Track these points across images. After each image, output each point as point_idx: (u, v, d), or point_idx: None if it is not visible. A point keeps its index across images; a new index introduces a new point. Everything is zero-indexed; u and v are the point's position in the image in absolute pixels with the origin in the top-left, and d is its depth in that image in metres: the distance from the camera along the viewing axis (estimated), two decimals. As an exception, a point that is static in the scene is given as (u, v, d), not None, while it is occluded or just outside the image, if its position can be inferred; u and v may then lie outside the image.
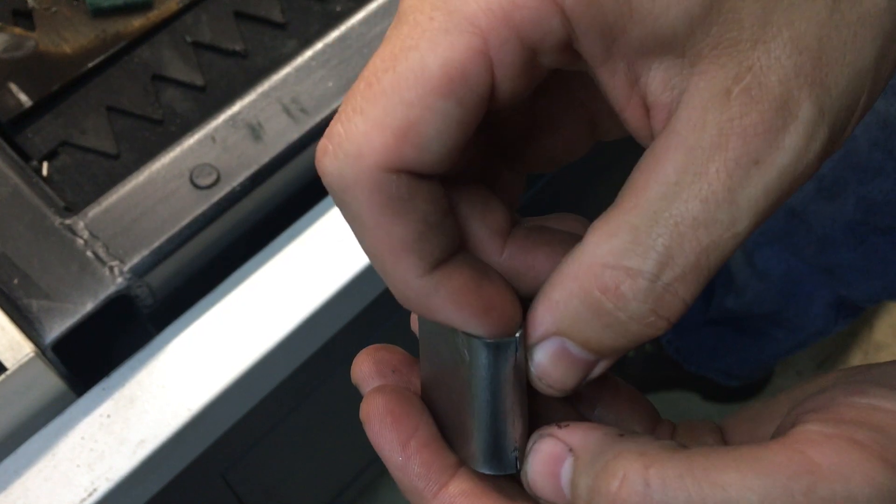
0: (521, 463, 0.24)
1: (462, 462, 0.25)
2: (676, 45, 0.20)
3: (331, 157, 0.22)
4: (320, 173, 0.22)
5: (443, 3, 0.20)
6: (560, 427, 0.24)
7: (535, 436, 0.24)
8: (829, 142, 0.20)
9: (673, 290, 0.21)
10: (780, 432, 0.22)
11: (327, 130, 0.22)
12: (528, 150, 0.27)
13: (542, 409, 0.26)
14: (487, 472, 0.24)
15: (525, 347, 0.23)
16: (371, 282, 0.52)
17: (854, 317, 1.06)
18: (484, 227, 0.25)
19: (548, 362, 0.23)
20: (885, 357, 1.34)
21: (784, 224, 0.95)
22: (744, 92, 0.20)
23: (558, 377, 0.23)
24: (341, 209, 0.22)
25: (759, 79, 0.20)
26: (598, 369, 0.23)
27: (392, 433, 0.24)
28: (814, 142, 0.20)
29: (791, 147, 0.20)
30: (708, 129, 0.20)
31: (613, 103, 0.22)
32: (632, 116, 0.22)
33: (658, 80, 0.21)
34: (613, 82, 0.22)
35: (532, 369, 0.23)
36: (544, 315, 0.23)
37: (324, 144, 0.22)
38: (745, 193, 0.20)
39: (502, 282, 0.25)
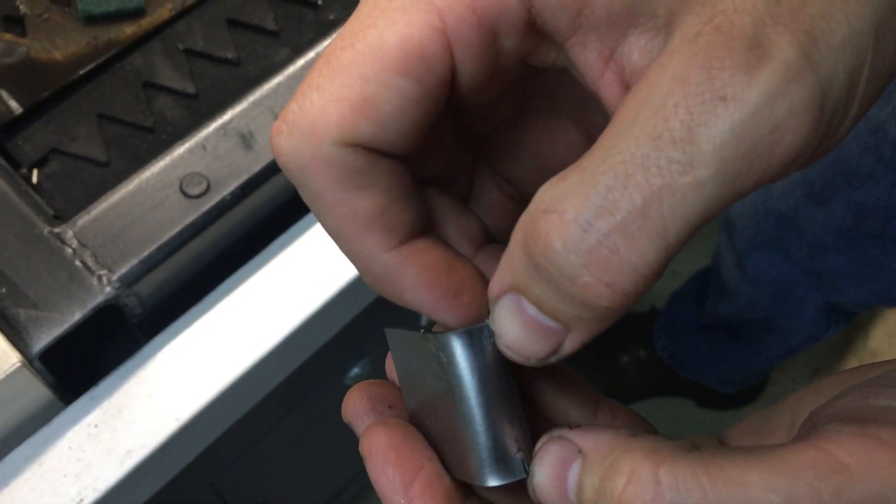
0: (530, 465, 0.22)
1: (469, 491, 0.23)
2: (647, 7, 0.19)
3: (285, 136, 0.21)
4: (275, 154, 0.21)
5: None
6: (571, 429, 0.22)
7: (544, 438, 0.22)
8: (819, 97, 0.17)
9: (611, 243, 0.17)
10: (798, 437, 0.21)
11: (282, 111, 0.21)
12: (518, 169, 0.27)
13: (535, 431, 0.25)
14: (496, 483, 0.22)
15: (490, 303, 0.21)
16: (361, 291, 0.52)
17: (846, 322, 1.06)
18: (457, 232, 0.25)
19: (507, 321, 0.20)
20: (878, 364, 1.34)
21: (775, 229, 0.95)
22: (713, 29, 0.17)
23: (519, 340, 0.20)
24: (301, 190, 0.22)
25: (732, 19, 0.17)
26: (569, 344, 0.20)
27: (395, 471, 0.23)
28: (796, 86, 0.17)
29: (765, 83, 0.17)
30: (672, 66, 0.17)
31: (587, 81, 0.21)
32: (608, 93, 0.21)
33: (634, 47, 0.19)
34: (584, 58, 0.20)
35: (493, 327, 0.21)
36: (503, 266, 0.20)
37: (278, 125, 0.21)
38: (708, 132, 0.17)
39: (473, 267, 0.23)
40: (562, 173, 0.19)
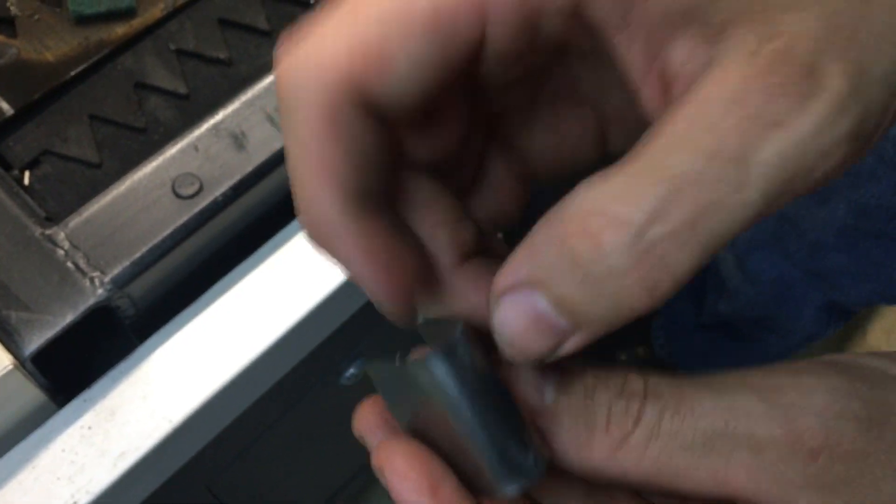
0: (543, 464, 0.22)
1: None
2: (702, 12, 0.19)
3: (292, 59, 0.20)
4: (276, 74, 0.21)
5: None
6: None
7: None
8: (858, 128, 0.18)
9: (660, 249, 0.18)
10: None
11: (300, 32, 0.21)
12: (530, 147, 0.26)
13: None
14: (516, 492, 0.22)
15: (492, 297, 0.21)
16: (356, 292, 0.52)
17: (846, 320, 1.06)
18: (448, 237, 0.24)
19: (513, 316, 0.20)
20: (877, 361, 1.34)
21: (775, 229, 0.95)
22: (772, 52, 0.18)
23: (520, 336, 0.20)
24: (283, 115, 0.21)
25: (789, 42, 0.18)
26: (569, 344, 0.20)
27: (421, 476, 0.22)
28: (843, 118, 0.18)
29: (817, 114, 0.18)
30: (728, 83, 0.18)
31: (630, 77, 0.21)
32: (649, 95, 0.20)
33: (682, 50, 0.19)
34: (630, 55, 0.20)
35: (494, 322, 0.21)
36: (521, 261, 0.20)
37: (287, 46, 0.21)
38: (760, 156, 0.18)
39: (418, 255, 0.23)
40: (602, 174, 0.19)
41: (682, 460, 0.21)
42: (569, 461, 0.22)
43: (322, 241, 0.22)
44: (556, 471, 0.23)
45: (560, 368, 0.23)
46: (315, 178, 0.21)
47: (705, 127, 0.18)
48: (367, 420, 0.25)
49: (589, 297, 0.19)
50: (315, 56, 0.20)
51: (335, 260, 0.22)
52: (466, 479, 0.23)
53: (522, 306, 0.20)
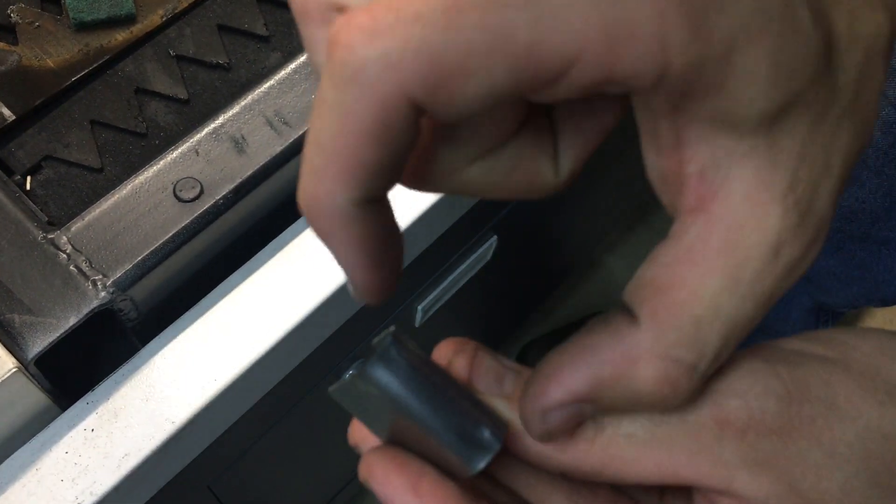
0: (500, 434, 0.24)
1: (479, 494, 0.24)
2: (740, 128, 0.19)
3: (367, 35, 0.17)
4: (342, 42, 0.18)
5: None
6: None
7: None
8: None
9: (703, 373, 0.21)
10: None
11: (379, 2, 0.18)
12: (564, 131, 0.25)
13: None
14: (482, 465, 0.24)
15: (534, 397, 0.23)
16: (355, 293, 0.52)
17: (834, 322, 1.07)
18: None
19: (562, 424, 0.22)
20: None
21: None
22: (795, 205, 0.20)
23: (557, 433, 0.23)
24: (330, 91, 0.18)
25: (809, 194, 0.20)
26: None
27: (400, 477, 0.23)
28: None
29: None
30: (765, 239, 0.20)
31: (651, 146, 0.21)
32: (666, 167, 0.21)
33: (706, 150, 0.20)
34: (662, 131, 0.20)
35: (537, 423, 0.23)
36: (584, 384, 0.22)
37: (365, 20, 0.17)
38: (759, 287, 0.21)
39: (401, 245, 0.23)
40: (665, 316, 0.21)
41: (628, 451, 0.22)
42: (525, 450, 0.24)
43: (321, 226, 0.21)
44: (541, 470, 0.24)
45: (515, 365, 0.25)
46: (336, 164, 0.19)
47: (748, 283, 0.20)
48: (360, 431, 0.26)
49: (628, 406, 0.22)
50: (395, 47, 0.17)
51: (327, 245, 0.22)
52: (443, 467, 0.24)
53: (572, 417, 0.22)
